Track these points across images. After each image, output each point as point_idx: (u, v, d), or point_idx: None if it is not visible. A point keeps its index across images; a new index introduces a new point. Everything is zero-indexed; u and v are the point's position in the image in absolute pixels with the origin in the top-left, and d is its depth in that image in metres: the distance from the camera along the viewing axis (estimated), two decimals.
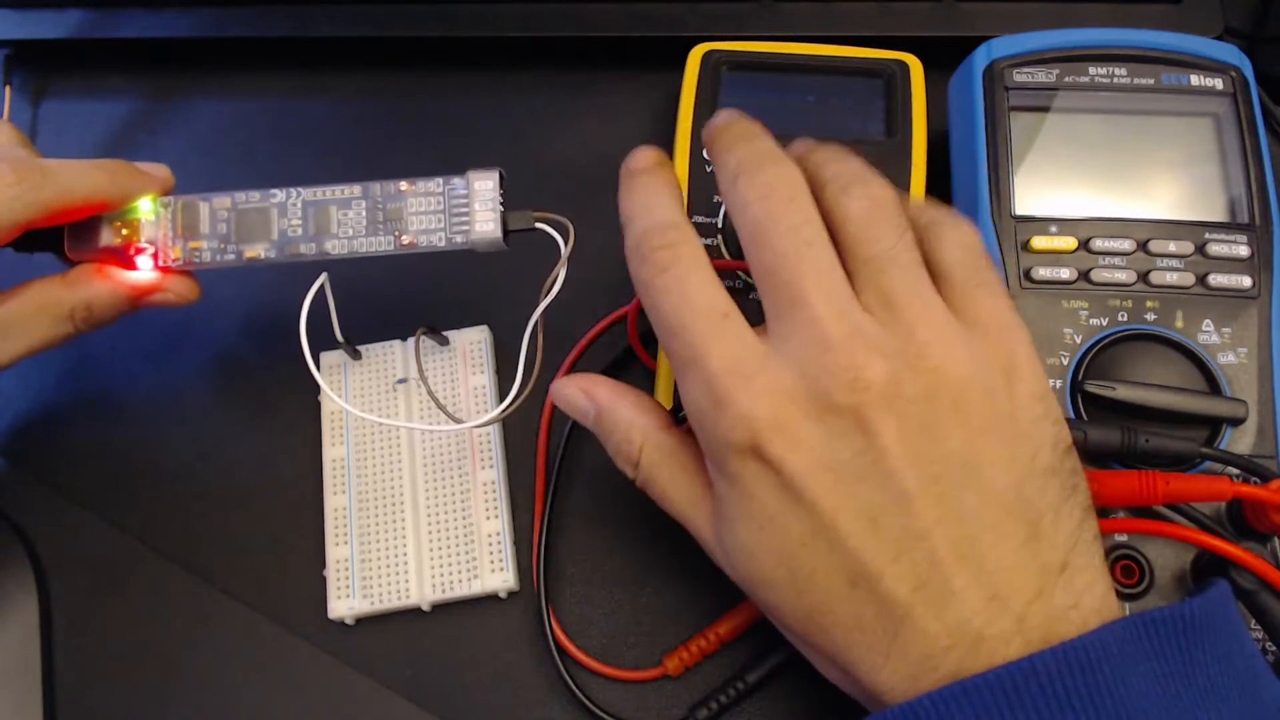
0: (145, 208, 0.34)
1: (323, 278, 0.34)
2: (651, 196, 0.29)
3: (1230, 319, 0.34)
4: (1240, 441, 0.33)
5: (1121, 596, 0.31)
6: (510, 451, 0.38)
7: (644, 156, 0.30)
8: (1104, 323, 0.34)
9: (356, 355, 0.39)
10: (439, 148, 0.45)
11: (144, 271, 0.34)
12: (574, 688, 0.34)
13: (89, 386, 0.41)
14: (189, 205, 0.34)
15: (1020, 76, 0.37)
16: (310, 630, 0.36)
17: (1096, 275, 0.34)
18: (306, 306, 0.33)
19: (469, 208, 0.33)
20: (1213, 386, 0.33)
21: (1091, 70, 0.37)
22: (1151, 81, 0.37)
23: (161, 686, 0.36)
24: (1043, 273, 0.34)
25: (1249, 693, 0.24)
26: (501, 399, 0.37)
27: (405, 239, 0.33)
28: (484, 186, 0.33)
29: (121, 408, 0.41)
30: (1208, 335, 0.34)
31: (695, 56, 0.40)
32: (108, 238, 0.34)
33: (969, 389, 0.25)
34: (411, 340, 0.39)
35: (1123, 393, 0.32)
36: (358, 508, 0.37)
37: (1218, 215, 0.35)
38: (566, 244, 0.32)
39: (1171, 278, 0.34)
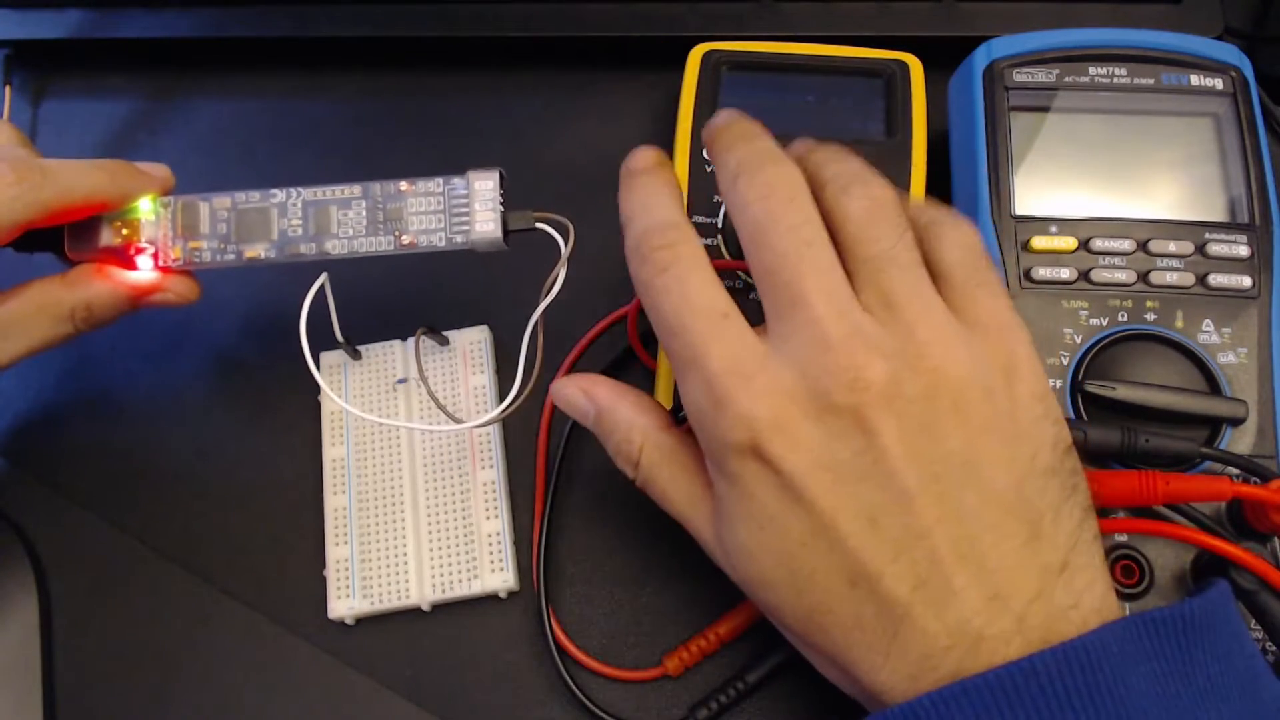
0: (145, 208, 0.34)
1: (323, 278, 0.34)
2: (651, 196, 0.29)
3: (1230, 319, 0.34)
4: (1240, 441, 0.33)
5: (1121, 596, 0.31)
6: (510, 451, 0.38)
7: (644, 156, 0.30)
8: (1104, 323, 0.34)
9: (356, 355, 0.39)
10: (439, 148, 0.45)
11: (144, 271, 0.34)
12: (574, 688, 0.34)
13: (89, 386, 0.41)
14: (189, 205, 0.34)
15: (1020, 76, 0.37)
16: (310, 630, 0.36)
17: (1096, 275, 0.34)
18: (306, 306, 0.33)
19: (469, 208, 0.33)
20: (1213, 386, 0.33)
21: (1091, 70, 0.37)
22: (1151, 81, 0.37)
23: (161, 686, 0.36)
24: (1043, 273, 0.34)
25: (1249, 692, 0.24)
26: (501, 399, 0.37)
27: (405, 239, 0.33)
28: (484, 186, 0.33)
29: (121, 408, 0.41)
30: (1208, 335, 0.34)
31: (695, 56, 0.40)
32: (108, 238, 0.34)
33: (969, 389, 0.25)
34: (411, 340, 0.39)
35: (1123, 393, 0.32)
36: (358, 508, 0.37)
37: (1218, 215, 0.35)
38: (566, 244, 0.32)
39: (1171, 278, 0.34)
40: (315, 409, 0.39)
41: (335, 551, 0.37)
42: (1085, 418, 0.33)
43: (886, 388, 0.25)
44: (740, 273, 0.36)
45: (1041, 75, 0.37)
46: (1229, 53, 0.37)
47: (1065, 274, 0.34)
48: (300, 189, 0.34)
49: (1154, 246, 0.34)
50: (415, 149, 0.45)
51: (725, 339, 0.26)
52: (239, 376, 0.41)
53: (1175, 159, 0.36)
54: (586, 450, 0.38)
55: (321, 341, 0.37)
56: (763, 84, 0.40)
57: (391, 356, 0.39)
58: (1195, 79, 0.37)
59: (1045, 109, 0.37)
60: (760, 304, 0.27)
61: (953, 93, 0.40)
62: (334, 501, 0.37)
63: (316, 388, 0.38)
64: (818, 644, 0.26)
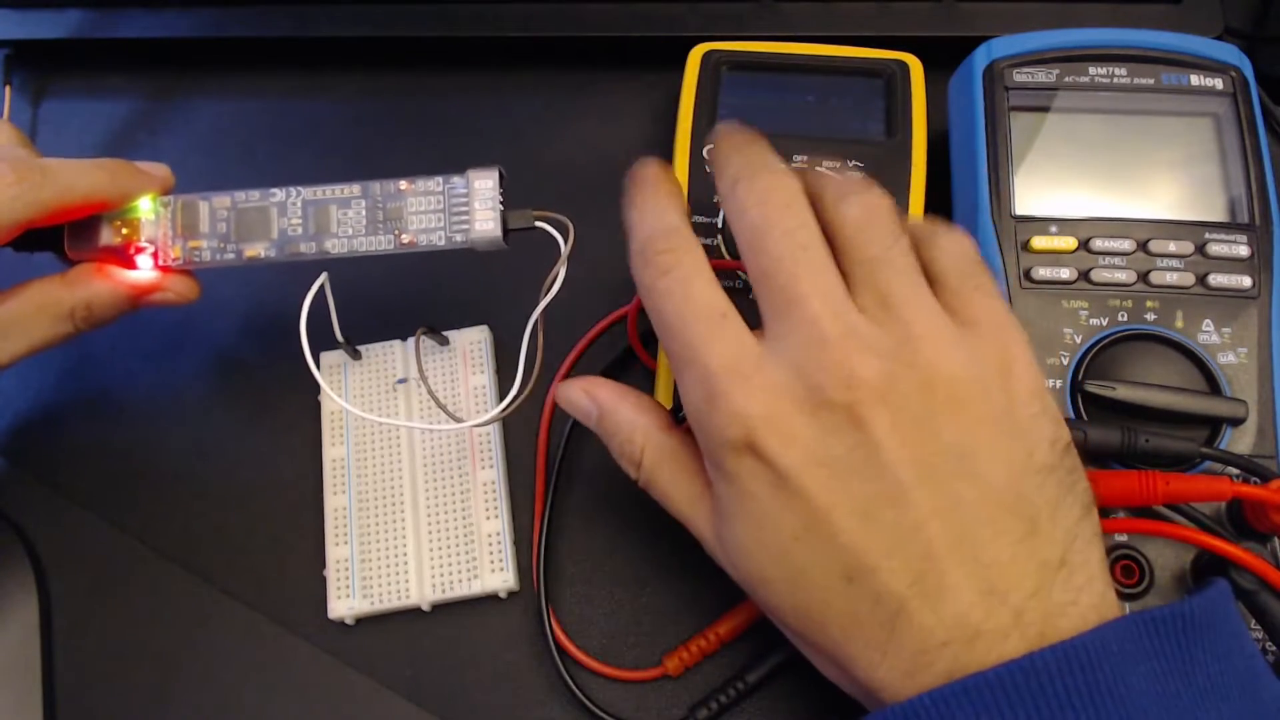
0: (145, 207, 0.34)
1: (323, 277, 0.34)
2: (655, 204, 0.29)
3: (1230, 319, 0.34)
4: (1240, 441, 0.33)
5: (1121, 596, 0.31)
6: (510, 451, 0.38)
7: (648, 166, 0.31)
8: (1104, 323, 0.34)
9: (356, 355, 0.39)
10: (439, 148, 0.45)
11: (144, 271, 0.34)
12: (574, 688, 0.34)
13: (89, 386, 0.41)
14: (189, 204, 0.34)
15: (1020, 76, 0.37)
16: (310, 630, 0.36)
17: (1096, 275, 0.34)
18: (306, 306, 0.33)
19: (469, 206, 0.33)
20: (1213, 386, 0.33)
21: (1091, 70, 0.37)
22: (1151, 81, 0.37)
23: (161, 686, 0.36)
24: (1043, 273, 0.34)
25: (1249, 692, 0.24)
26: (501, 399, 0.37)
27: (405, 238, 0.33)
28: (484, 185, 0.33)
29: (121, 407, 0.41)
30: (1208, 335, 0.34)
31: (695, 56, 0.40)
32: (108, 237, 0.34)
33: (964, 386, 0.26)
34: (411, 340, 0.39)
35: (1123, 393, 0.32)
36: (358, 508, 0.37)
37: (1218, 215, 0.35)
38: (566, 243, 0.32)
39: (1171, 278, 0.34)
40: (315, 409, 0.39)
41: (335, 551, 0.37)
42: (1085, 418, 0.33)
43: (880, 384, 0.25)
44: (740, 273, 0.36)
45: (1041, 75, 0.37)
46: (1229, 53, 0.37)
47: (1065, 274, 0.34)
48: (300, 188, 0.34)
49: (1154, 246, 0.34)
50: (415, 149, 0.45)
51: (723, 339, 0.27)
52: (239, 376, 0.41)
53: (1175, 159, 0.36)
54: (586, 450, 0.38)
55: (321, 341, 0.37)
56: (763, 84, 0.40)
57: (391, 356, 0.39)
58: (1195, 79, 0.37)
59: (1045, 109, 0.37)
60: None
61: (953, 93, 0.40)
62: (334, 501, 0.37)
63: (316, 388, 0.39)
64: (816, 641, 0.26)
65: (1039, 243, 0.35)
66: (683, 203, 0.30)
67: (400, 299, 0.41)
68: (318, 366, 0.34)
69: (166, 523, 0.39)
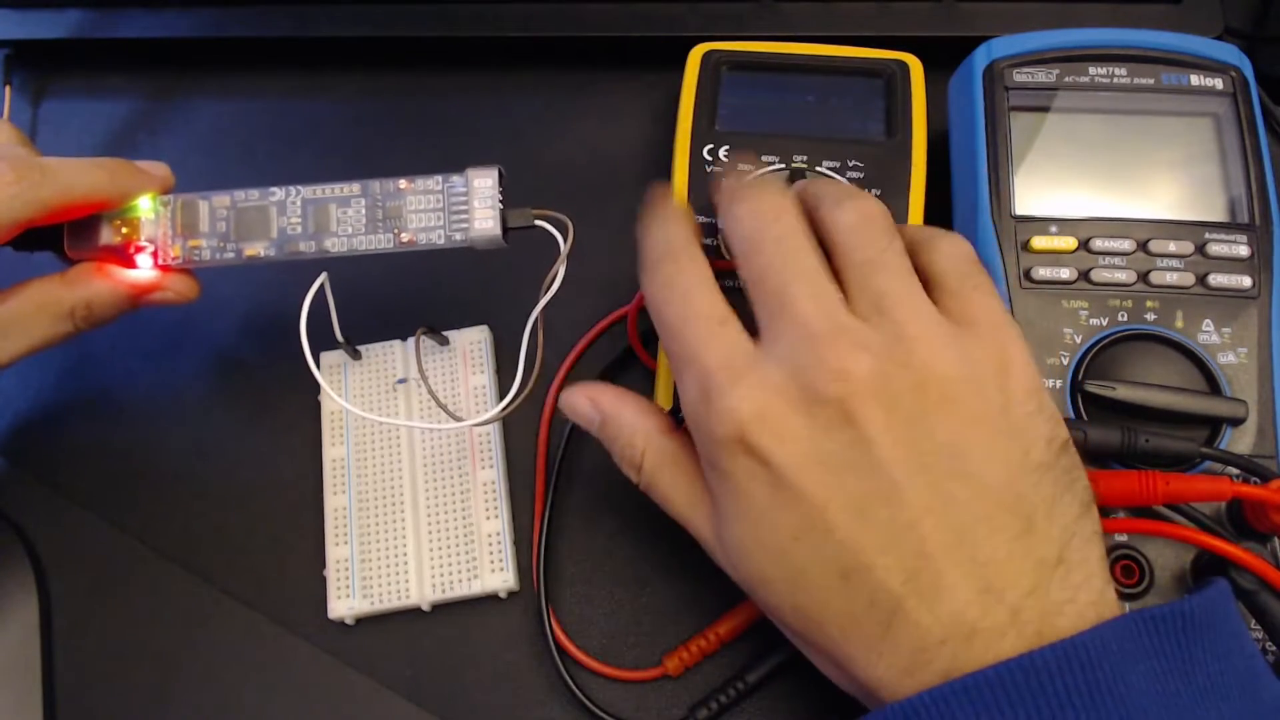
0: (145, 206, 0.34)
1: (322, 277, 0.34)
2: (664, 223, 0.31)
3: (1230, 319, 0.34)
4: (1240, 441, 0.32)
5: (1121, 596, 0.31)
6: (510, 451, 0.38)
7: (664, 196, 0.32)
8: (1104, 323, 0.34)
9: (356, 355, 0.39)
10: (439, 148, 0.45)
11: (144, 270, 0.34)
12: (574, 688, 0.34)
13: (89, 386, 0.41)
14: (188, 204, 0.34)
15: (1020, 76, 0.37)
16: (310, 630, 0.36)
17: (1096, 275, 0.34)
18: (306, 306, 0.33)
19: (468, 205, 0.33)
20: (1213, 386, 0.33)
21: (1091, 70, 0.37)
22: (1151, 81, 0.37)
23: (161, 686, 0.36)
24: (1043, 273, 0.34)
25: (1249, 691, 0.24)
26: (501, 399, 0.37)
27: (405, 237, 0.33)
28: (483, 184, 0.33)
29: (121, 407, 0.41)
30: (1208, 335, 0.33)
31: (695, 56, 0.40)
32: (107, 236, 0.34)
33: (959, 384, 0.26)
34: (411, 340, 0.39)
35: (1123, 393, 0.32)
36: (358, 508, 0.37)
37: (1218, 215, 0.35)
38: (566, 241, 0.32)
39: (1171, 278, 0.34)
40: (315, 409, 0.39)
41: (335, 551, 0.37)
42: (1085, 418, 0.33)
43: (873, 381, 0.25)
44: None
45: (1041, 75, 0.37)
46: (1229, 53, 0.37)
47: (1065, 274, 0.34)
48: (299, 187, 0.34)
49: (1154, 246, 0.34)
50: (415, 149, 0.45)
51: (720, 340, 0.27)
52: (239, 376, 0.41)
53: (1175, 159, 0.36)
54: (586, 450, 0.38)
55: (321, 341, 0.37)
56: (763, 84, 0.40)
57: (391, 356, 0.39)
58: (1195, 79, 0.37)
59: (1045, 109, 0.37)
60: None
61: (953, 93, 0.40)
62: (334, 501, 0.37)
63: (316, 387, 0.39)
64: (815, 641, 0.26)
65: (1039, 243, 0.35)
66: (691, 224, 0.31)
67: (400, 299, 0.41)
68: (318, 366, 0.34)
69: (166, 523, 0.39)
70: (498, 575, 0.36)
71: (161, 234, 0.34)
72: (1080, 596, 0.25)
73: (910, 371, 0.26)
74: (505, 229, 0.33)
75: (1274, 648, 0.30)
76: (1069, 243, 0.35)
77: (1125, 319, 0.34)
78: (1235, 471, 0.32)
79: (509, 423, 0.39)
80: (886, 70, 0.39)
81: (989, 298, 0.28)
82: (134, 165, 0.34)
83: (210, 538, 0.38)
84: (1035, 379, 0.27)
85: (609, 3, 0.45)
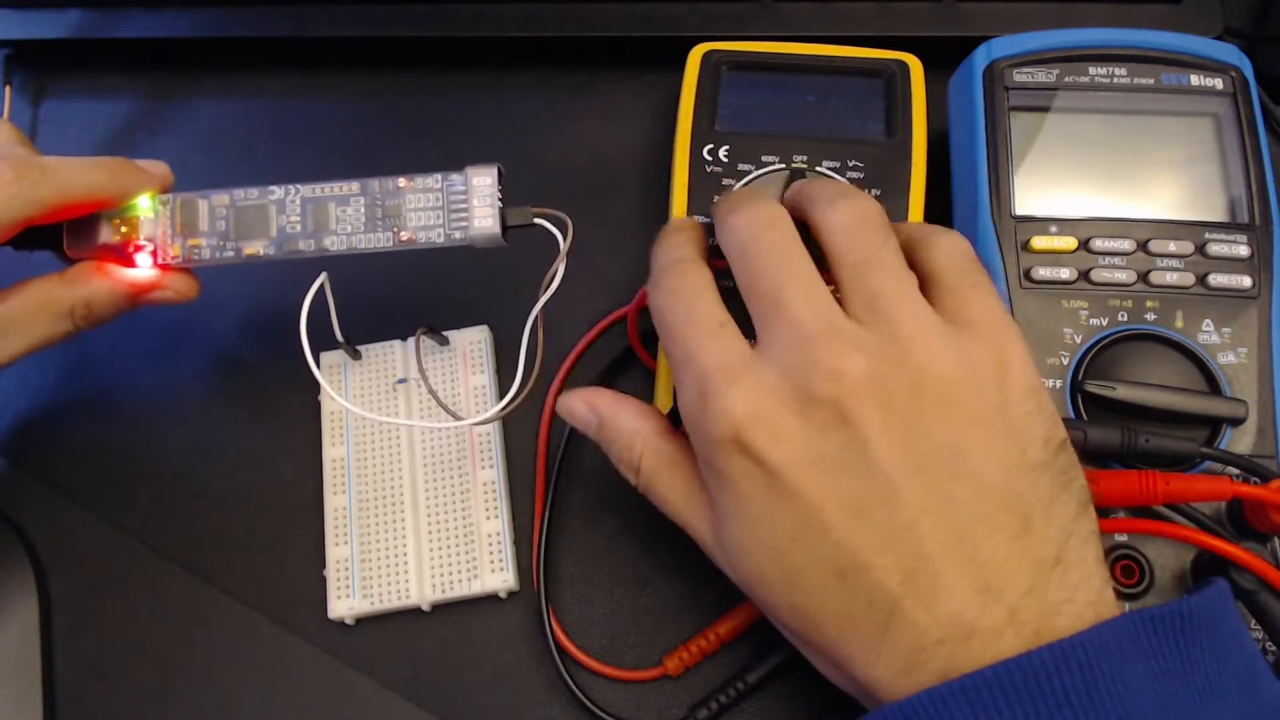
0: (144, 205, 0.34)
1: (322, 277, 0.34)
2: (674, 240, 0.31)
3: (1230, 319, 0.34)
4: (1240, 441, 0.32)
5: (1121, 596, 0.31)
6: (510, 451, 0.38)
7: (677, 218, 0.34)
8: (1104, 323, 0.34)
9: (356, 355, 0.39)
10: (439, 148, 0.45)
11: (143, 269, 0.34)
12: (574, 688, 0.34)
13: (89, 386, 0.41)
14: (188, 202, 0.34)
15: (1020, 76, 0.37)
16: (310, 630, 0.36)
17: (1096, 275, 0.34)
18: (306, 306, 0.33)
19: (467, 203, 0.33)
20: (1213, 386, 0.33)
21: (1091, 70, 0.37)
22: (1151, 81, 0.37)
23: (161, 686, 0.36)
24: (1043, 273, 0.34)
25: (1248, 691, 0.24)
26: (502, 399, 0.37)
27: (404, 235, 0.33)
28: (482, 182, 0.33)
29: (121, 407, 0.41)
30: (1208, 335, 0.33)
31: (695, 56, 0.40)
32: (107, 235, 0.34)
33: (956, 384, 0.26)
34: (411, 340, 0.39)
35: (1123, 393, 0.32)
36: (358, 508, 0.37)
37: (1218, 215, 0.35)
38: (565, 239, 0.32)
39: (1171, 278, 0.34)
40: (315, 409, 0.39)
41: (335, 551, 0.37)
42: (1085, 418, 0.33)
43: (868, 381, 0.25)
44: None
45: (1041, 75, 0.37)
46: (1229, 53, 0.37)
47: (1065, 274, 0.34)
48: (299, 185, 0.34)
49: (1154, 246, 0.34)
50: (415, 149, 0.45)
51: (718, 342, 0.28)
52: (239, 376, 0.41)
53: (1175, 159, 0.36)
54: (586, 450, 0.38)
55: (321, 342, 0.37)
56: (763, 84, 0.40)
57: (391, 356, 0.39)
58: (1195, 79, 0.37)
59: (1045, 109, 0.37)
60: None
61: (953, 93, 0.40)
62: (334, 501, 0.37)
63: (316, 387, 0.39)
64: (813, 641, 0.26)
65: (1039, 243, 0.35)
66: (697, 236, 0.32)
67: (400, 299, 0.41)
68: (318, 366, 0.34)
69: (166, 523, 0.39)
70: (498, 575, 0.36)
71: (161, 233, 0.34)
72: (1078, 596, 0.25)
73: (906, 371, 0.26)
74: (505, 227, 0.33)
75: (1274, 648, 0.30)
76: (1069, 243, 0.35)
77: (1125, 319, 0.34)
78: (1235, 471, 0.32)
79: (509, 423, 0.39)
80: (886, 70, 0.39)
81: (987, 296, 0.28)
82: (133, 164, 0.34)
83: (210, 538, 0.38)
84: (1033, 378, 0.27)
85: (609, 3, 0.45)
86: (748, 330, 0.28)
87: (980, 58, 0.38)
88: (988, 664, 0.23)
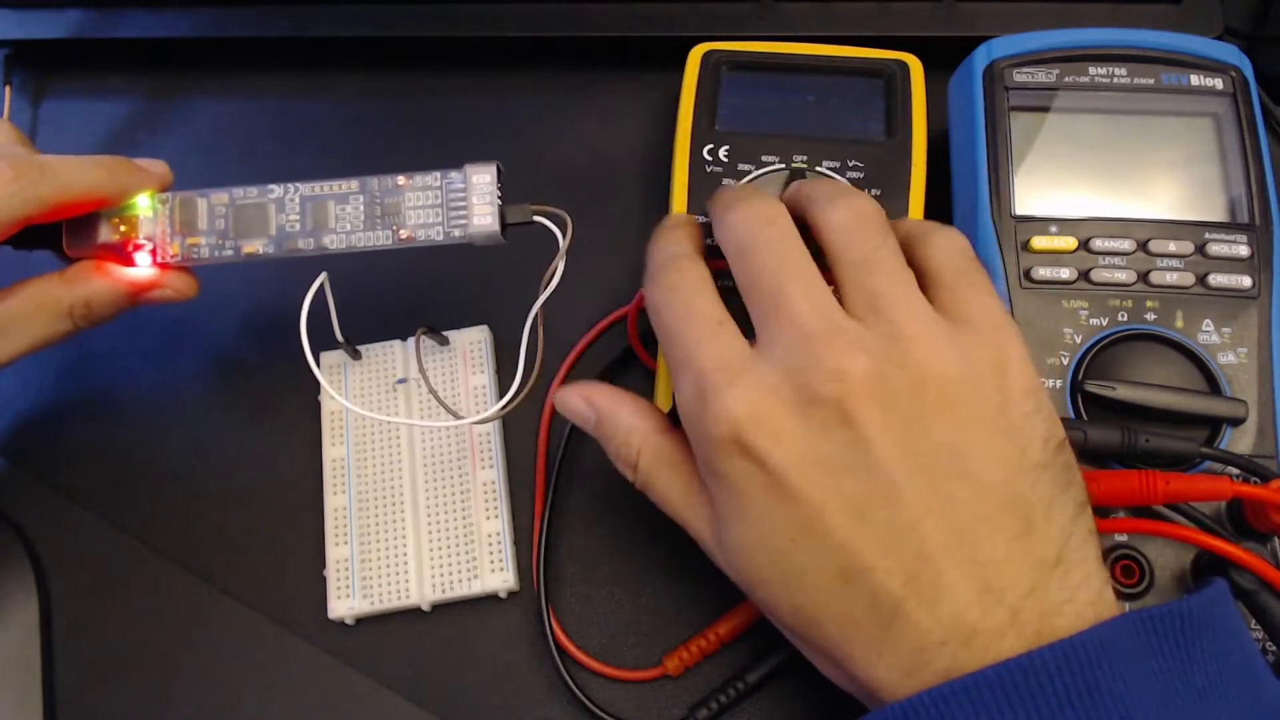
0: (143, 204, 0.34)
1: (322, 277, 0.34)
2: (670, 237, 0.31)
3: (1230, 319, 0.34)
4: (1240, 441, 0.32)
5: (1121, 596, 0.31)
6: (510, 451, 0.38)
7: (674, 214, 0.33)
8: (1104, 323, 0.34)
9: (356, 355, 0.39)
10: (439, 148, 0.45)
11: (142, 268, 0.34)
12: (574, 688, 0.34)
13: (89, 386, 0.41)
14: (187, 201, 0.34)
15: (1020, 76, 0.37)
16: (310, 630, 0.36)
17: (1096, 275, 0.34)
18: (306, 306, 0.33)
19: (467, 201, 0.33)
20: (1213, 386, 0.33)
21: (1091, 70, 0.37)
22: (1151, 81, 0.37)
23: (161, 686, 0.36)
24: (1043, 273, 0.34)
25: (1248, 691, 0.24)
26: (502, 398, 0.37)
27: (403, 233, 0.33)
28: (481, 180, 0.33)
29: (121, 407, 0.41)
30: (1208, 335, 0.33)
31: (695, 56, 0.40)
32: (106, 234, 0.34)
33: (956, 384, 0.26)
34: (411, 340, 0.39)
35: (1123, 393, 0.32)
36: (358, 508, 0.37)
37: (1218, 215, 0.35)
38: (565, 237, 0.32)
39: (1171, 278, 0.34)
40: (315, 409, 0.39)
41: (335, 551, 0.36)
42: (1085, 418, 0.33)
43: (869, 381, 0.25)
44: None
45: (1041, 75, 0.37)
46: (1229, 53, 0.37)
47: (1065, 274, 0.34)
48: (298, 184, 0.34)
49: (1154, 246, 0.34)
50: (415, 149, 0.45)
51: (717, 341, 0.27)
52: (239, 376, 0.41)
53: (1175, 159, 0.36)
54: (586, 450, 0.38)
55: (321, 342, 0.37)
56: (763, 84, 0.40)
57: (391, 356, 0.39)
58: (1195, 79, 0.37)
59: (1045, 109, 0.37)
60: None
61: (953, 93, 0.40)
62: (334, 501, 0.37)
63: (316, 387, 0.39)
64: (815, 641, 0.26)
65: (1039, 243, 0.35)
66: (694, 233, 0.31)
67: (400, 298, 0.41)
68: (318, 366, 0.34)
69: (166, 523, 0.39)
70: (498, 575, 0.36)
71: (160, 232, 0.34)
72: (1079, 596, 0.25)
73: (907, 371, 0.26)
74: (504, 225, 0.33)
75: (1274, 648, 0.30)
76: (1069, 243, 0.35)
77: (1125, 319, 0.34)
78: (1235, 471, 0.32)
79: (509, 422, 0.39)
80: (886, 70, 0.39)
81: (985, 295, 0.28)
82: (132, 163, 0.34)
83: (210, 538, 0.38)
84: (1033, 378, 0.27)
85: (609, 3, 0.45)
86: (746, 329, 0.28)
87: (980, 58, 0.38)
88: (989, 664, 0.23)
